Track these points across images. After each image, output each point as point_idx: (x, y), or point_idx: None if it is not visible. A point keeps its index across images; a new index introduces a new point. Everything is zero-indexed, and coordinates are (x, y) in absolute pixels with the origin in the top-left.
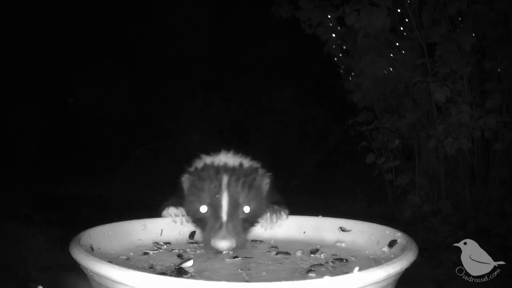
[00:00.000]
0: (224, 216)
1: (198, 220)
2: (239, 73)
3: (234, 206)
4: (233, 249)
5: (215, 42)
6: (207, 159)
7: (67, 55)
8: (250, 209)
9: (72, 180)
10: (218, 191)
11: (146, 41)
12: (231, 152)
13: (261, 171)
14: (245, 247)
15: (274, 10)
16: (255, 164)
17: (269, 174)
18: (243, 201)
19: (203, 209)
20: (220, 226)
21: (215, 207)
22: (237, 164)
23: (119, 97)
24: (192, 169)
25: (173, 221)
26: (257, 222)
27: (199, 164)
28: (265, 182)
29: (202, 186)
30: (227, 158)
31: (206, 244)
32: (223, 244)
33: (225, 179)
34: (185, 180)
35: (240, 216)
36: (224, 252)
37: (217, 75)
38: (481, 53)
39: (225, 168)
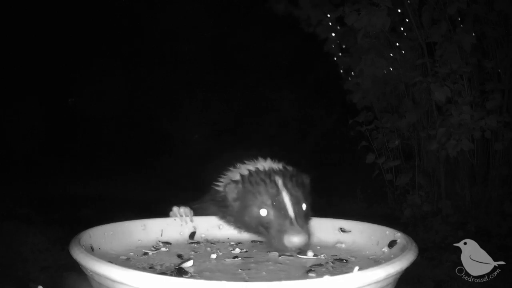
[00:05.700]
0: (292, 213)
1: (259, 224)
2: (239, 73)
3: (296, 204)
4: (303, 246)
5: (215, 42)
6: (248, 167)
7: (67, 55)
8: (306, 206)
9: (72, 180)
10: (277, 192)
11: (146, 41)
12: (267, 158)
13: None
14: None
15: (269, 5)
16: (290, 167)
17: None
18: (300, 198)
19: (264, 212)
20: (291, 223)
21: (279, 208)
22: (281, 167)
23: (119, 97)
24: (236, 178)
25: (180, 220)
26: (311, 218)
27: (242, 171)
28: (307, 181)
29: (258, 190)
30: (266, 164)
31: (276, 245)
32: (298, 239)
33: (279, 180)
34: (232, 189)
35: (303, 213)
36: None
37: (217, 75)
38: (481, 53)
39: (274, 171)
